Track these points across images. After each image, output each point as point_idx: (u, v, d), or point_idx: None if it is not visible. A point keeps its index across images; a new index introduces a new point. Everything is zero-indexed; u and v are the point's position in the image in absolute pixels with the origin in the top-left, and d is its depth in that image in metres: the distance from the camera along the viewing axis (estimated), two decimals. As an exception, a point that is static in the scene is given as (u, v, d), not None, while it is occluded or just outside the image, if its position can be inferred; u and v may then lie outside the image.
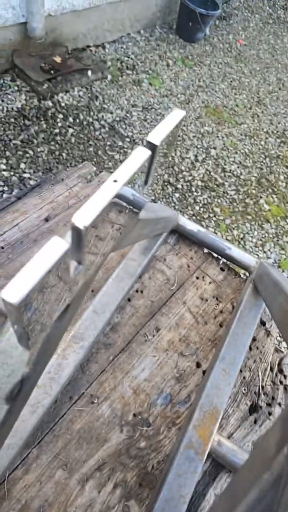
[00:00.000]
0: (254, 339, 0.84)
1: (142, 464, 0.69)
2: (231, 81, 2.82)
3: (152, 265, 0.89)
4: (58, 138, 2.10)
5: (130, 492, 0.67)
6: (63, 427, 0.69)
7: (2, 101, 2.09)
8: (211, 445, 0.69)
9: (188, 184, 2.12)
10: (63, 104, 2.21)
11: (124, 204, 0.86)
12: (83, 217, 0.27)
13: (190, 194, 2.08)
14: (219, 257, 0.92)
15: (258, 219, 2.11)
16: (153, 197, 2.01)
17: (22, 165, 1.94)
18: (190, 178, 2.16)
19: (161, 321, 0.82)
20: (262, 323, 0.86)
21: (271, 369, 0.82)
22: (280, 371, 0.84)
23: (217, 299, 0.87)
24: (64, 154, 2.05)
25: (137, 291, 0.86)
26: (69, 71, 2.29)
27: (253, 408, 0.79)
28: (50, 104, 2.18)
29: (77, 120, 2.20)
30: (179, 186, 2.11)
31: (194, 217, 1.98)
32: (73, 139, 2.11)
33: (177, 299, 0.85)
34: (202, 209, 2.04)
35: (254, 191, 2.23)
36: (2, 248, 0.86)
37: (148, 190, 2.03)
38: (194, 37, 2.93)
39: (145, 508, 0.65)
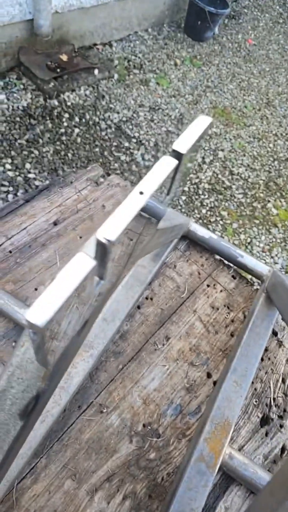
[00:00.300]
0: (266, 350, 0.84)
1: (151, 475, 0.69)
2: (240, 82, 2.82)
3: (162, 272, 0.89)
4: (63, 138, 2.10)
5: (139, 504, 0.67)
6: (71, 437, 0.69)
7: (8, 99, 2.10)
8: (222, 458, 0.69)
9: (195, 186, 2.12)
10: (69, 103, 2.22)
11: (144, 214, 0.86)
12: (108, 232, 0.27)
13: (197, 197, 2.08)
14: (231, 264, 0.92)
15: (266, 224, 2.11)
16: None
17: (27, 165, 1.94)
18: (197, 180, 2.16)
19: (171, 330, 0.82)
20: (274, 333, 0.86)
21: (283, 381, 0.82)
22: (292, 382, 0.83)
23: (228, 307, 0.87)
24: (69, 155, 2.05)
25: (146, 298, 0.86)
26: (76, 70, 2.30)
27: (264, 420, 0.79)
28: (56, 103, 2.19)
29: (83, 120, 2.20)
30: (185, 188, 2.11)
31: (200, 221, 1.98)
32: (79, 139, 2.12)
33: (188, 307, 0.85)
34: (209, 212, 2.04)
35: (262, 195, 2.23)
36: (10, 252, 0.87)
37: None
38: (202, 36, 2.94)
39: (154, 522, 0.65)
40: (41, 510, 0.64)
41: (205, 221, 1.98)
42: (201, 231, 0.89)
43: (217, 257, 0.93)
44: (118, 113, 2.28)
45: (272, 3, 3.86)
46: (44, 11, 2.06)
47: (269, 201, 2.21)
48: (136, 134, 2.23)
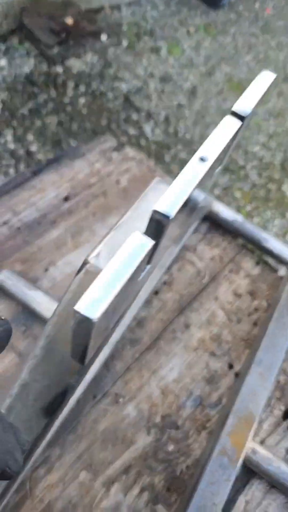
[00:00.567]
0: (290, 340, 0.81)
1: (170, 468, 0.68)
2: (256, 54, 2.72)
3: (181, 256, 0.85)
4: (68, 108, 2.03)
5: (157, 496, 0.65)
6: (86, 427, 0.67)
7: (10, 65, 2.01)
8: (245, 453, 0.67)
9: (207, 165, 2.06)
10: (74, 71, 2.13)
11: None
12: (167, 207, 0.23)
13: (209, 176, 2.02)
14: (255, 249, 0.88)
15: (280, 207, 2.06)
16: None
17: (30, 137, 1.87)
18: (209, 158, 2.09)
19: (191, 317, 0.79)
20: (300, 322, 0.83)
21: (308, 373, 0.79)
22: None
23: (251, 295, 0.84)
24: (74, 127, 1.98)
25: (165, 283, 0.82)
26: (82, 34, 2.20)
27: (287, 414, 0.77)
28: (61, 70, 2.10)
29: (89, 89, 2.12)
30: (197, 166, 2.05)
31: (212, 201, 1.93)
32: (84, 110, 2.04)
33: (209, 294, 0.82)
34: (222, 192, 1.99)
35: (277, 176, 2.17)
36: (18, 229, 0.83)
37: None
38: (218, 3, 2.81)
39: (173, 516, 0.64)
40: (55, 501, 0.62)
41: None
42: (225, 213, 0.85)
43: (240, 240, 0.89)
44: (126, 83, 2.20)
45: None
46: None
47: (284, 183, 2.16)
48: (146, 107, 2.16)
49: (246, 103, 0.33)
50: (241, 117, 0.32)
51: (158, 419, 0.70)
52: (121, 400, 0.70)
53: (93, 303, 0.20)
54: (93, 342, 0.24)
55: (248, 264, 0.87)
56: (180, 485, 0.67)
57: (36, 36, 2.07)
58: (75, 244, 0.84)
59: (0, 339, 0.23)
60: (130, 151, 1.00)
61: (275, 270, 0.89)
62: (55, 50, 2.11)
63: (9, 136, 1.86)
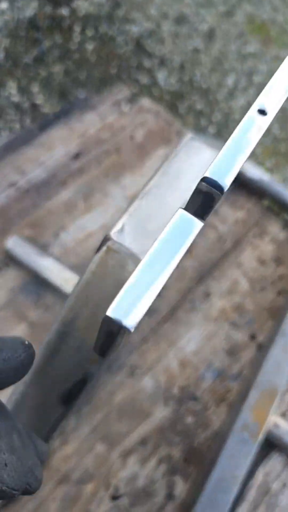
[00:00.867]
0: None
1: (188, 439, 0.67)
2: (281, -10, 2.48)
3: (202, 218, 0.80)
4: (75, 55, 1.90)
5: (175, 467, 0.65)
6: (102, 399, 0.66)
7: (11, 8, 1.86)
8: (266, 427, 0.65)
9: (225, 117, 1.94)
10: (81, 14, 1.97)
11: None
12: (221, 176, 0.18)
13: (226, 129, 1.91)
14: (283, 211, 0.83)
15: (302, 163, 1.96)
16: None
17: (35, 89, 1.77)
18: (228, 110, 1.97)
19: (211, 286, 0.76)
20: None
21: None
22: None
23: (276, 262, 0.79)
24: (82, 76, 1.86)
25: (184, 248, 0.78)
26: None
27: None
28: (66, 12, 1.95)
29: (97, 34, 1.97)
30: (214, 119, 1.93)
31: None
32: (92, 58, 1.91)
33: (231, 261, 0.78)
34: (239, 148, 1.88)
35: (299, 129, 2.05)
36: (27, 191, 0.78)
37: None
38: None
39: (192, 485, 0.64)
40: (72, 471, 0.62)
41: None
42: (251, 171, 0.79)
43: (266, 202, 0.83)
44: (137, 25, 2.04)
45: None
46: None
47: (307, 137, 2.04)
48: (158, 52, 2.01)
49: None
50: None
51: (175, 391, 0.69)
52: (137, 371, 0.69)
53: (130, 308, 0.16)
54: (120, 340, 0.21)
55: (274, 228, 0.82)
56: (198, 457, 0.66)
57: (38, -28, 1.90)
58: (86, 207, 0.80)
59: (23, 366, 0.21)
60: (145, 103, 0.92)
61: (302, 235, 0.84)
62: (60, -12, 1.94)
63: (13, 88, 1.76)
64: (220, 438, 0.66)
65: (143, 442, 0.65)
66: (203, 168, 0.28)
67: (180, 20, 2.12)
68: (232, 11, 2.29)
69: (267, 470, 0.69)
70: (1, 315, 0.66)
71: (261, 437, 0.64)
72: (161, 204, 0.29)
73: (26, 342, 0.21)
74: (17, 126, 1.72)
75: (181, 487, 0.63)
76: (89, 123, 0.87)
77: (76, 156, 0.84)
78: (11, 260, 0.70)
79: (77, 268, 0.71)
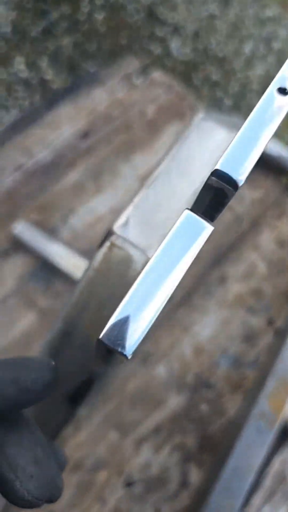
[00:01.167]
0: None
1: (202, 427, 0.66)
2: None
3: (217, 199, 0.76)
4: (83, 27, 1.83)
5: (189, 455, 0.65)
6: (115, 386, 0.65)
7: (15, -26, 1.80)
8: (284, 416, 0.64)
9: (242, 87, 1.86)
10: (89, -21, 1.89)
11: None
12: (235, 168, 0.16)
13: (244, 101, 1.83)
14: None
15: None
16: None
17: (43, 63, 1.72)
18: (245, 80, 1.88)
19: (227, 270, 0.73)
20: None
21: None
22: None
23: (296, 243, 0.76)
24: (91, 48, 1.80)
25: (198, 231, 0.75)
26: None
27: None
28: (74, -21, 1.87)
29: (107, 3, 1.89)
30: (230, 89, 1.85)
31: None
32: (102, 28, 1.84)
33: (248, 243, 0.75)
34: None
35: None
36: (34, 173, 0.75)
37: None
38: None
39: (206, 472, 0.64)
40: (85, 458, 0.62)
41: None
42: (270, 147, 0.74)
43: (286, 180, 0.79)
44: (149, -9, 1.94)
45: None
46: None
47: None
48: (171, 20, 1.92)
49: None
50: None
51: (189, 378, 0.68)
52: (150, 358, 0.67)
53: (126, 332, 0.14)
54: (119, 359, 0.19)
55: (293, 209, 0.78)
56: (213, 445, 0.65)
57: None
58: (96, 188, 0.77)
59: (48, 388, 0.21)
60: (157, 75, 0.87)
61: None
62: None
63: (21, 63, 1.71)
64: (235, 426, 0.65)
65: (156, 430, 0.64)
66: (217, 152, 0.25)
67: (194, -17, 2.00)
68: (250, -29, 2.15)
69: (283, 458, 0.68)
70: (10, 302, 0.66)
71: (277, 425, 0.63)
72: (169, 193, 0.27)
73: (53, 363, 0.22)
74: (26, 103, 1.68)
75: (195, 475, 0.63)
76: (98, 99, 0.83)
77: (85, 135, 0.81)
78: (20, 245, 0.69)
79: (87, 253, 0.70)
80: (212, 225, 0.15)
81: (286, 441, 0.69)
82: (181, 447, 0.65)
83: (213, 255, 0.74)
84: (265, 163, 0.78)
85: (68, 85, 0.95)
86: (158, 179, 0.27)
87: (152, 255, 0.15)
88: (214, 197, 0.16)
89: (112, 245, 0.26)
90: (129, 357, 0.14)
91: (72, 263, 0.67)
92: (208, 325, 0.70)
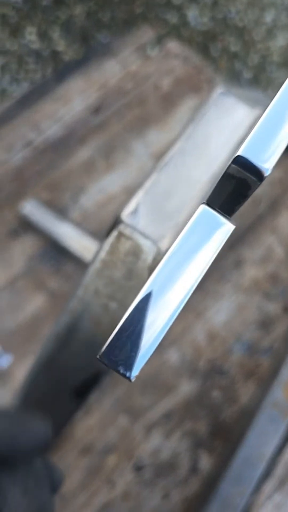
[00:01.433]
0: None
1: (213, 414, 0.65)
2: None
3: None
4: (97, -7, 1.75)
5: (200, 441, 0.64)
6: (125, 372, 0.64)
7: None
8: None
9: (263, 59, 1.77)
10: None
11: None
12: (261, 156, 0.13)
13: (264, 73, 1.75)
14: None
15: None
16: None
17: (55, 34, 1.66)
18: (265, 51, 1.79)
19: (243, 253, 0.70)
20: None
21: None
22: None
23: (316, 226, 0.72)
24: (105, 17, 1.73)
25: (213, 212, 0.72)
26: None
27: None
28: None
29: None
30: (250, 61, 1.77)
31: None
32: (116, -4, 1.76)
33: (265, 225, 0.72)
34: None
35: None
36: (44, 150, 0.73)
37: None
38: None
39: (217, 459, 0.63)
40: (95, 441, 0.62)
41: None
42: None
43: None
44: None
45: None
46: None
47: None
48: (190, -13, 1.82)
49: None
50: None
51: (202, 364, 0.66)
52: (162, 343, 0.66)
53: (128, 353, 0.12)
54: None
55: (315, 189, 0.74)
56: (224, 432, 0.65)
57: None
58: (107, 166, 0.74)
59: (41, 449, 0.22)
60: (173, 46, 0.82)
61: None
62: None
63: (32, 34, 1.65)
64: (247, 414, 0.63)
65: (167, 415, 0.64)
66: (237, 131, 0.22)
67: None
68: None
69: (296, 445, 0.67)
70: (20, 284, 0.65)
71: (292, 414, 0.62)
72: (184, 177, 0.24)
73: (49, 427, 0.23)
74: (38, 76, 1.64)
75: (205, 461, 0.62)
76: (110, 72, 0.79)
77: (96, 110, 0.77)
78: (29, 225, 0.67)
79: (98, 234, 0.68)
80: (233, 223, 0.13)
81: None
82: (192, 433, 0.64)
83: (229, 238, 0.71)
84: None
85: (80, 57, 0.91)
86: (171, 162, 0.24)
87: (162, 259, 0.13)
88: (235, 188, 0.13)
89: (120, 234, 0.24)
90: (133, 379, 0.12)
91: (83, 245, 0.65)
92: (222, 311, 0.68)
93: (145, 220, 0.24)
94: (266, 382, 0.65)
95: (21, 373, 0.58)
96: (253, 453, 0.61)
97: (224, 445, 0.64)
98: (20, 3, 1.73)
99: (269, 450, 0.61)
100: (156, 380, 0.65)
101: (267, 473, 0.61)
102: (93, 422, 0.63)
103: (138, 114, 0.78)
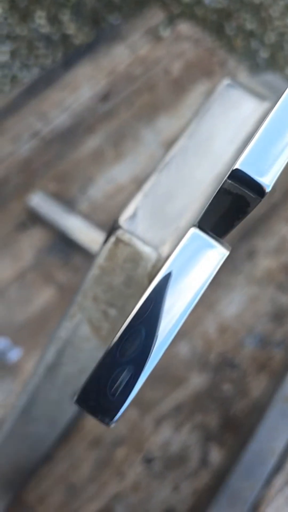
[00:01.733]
0: None
1: (224, 407, 0.64)
2: None
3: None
4: (108, -27, 1.69)
5: (210, 434, 0.64)
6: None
7: None
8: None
9: (280, 37, 1.70)
10: None
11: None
12: (261, 167, 0.11)
13: (281, 52, 1.68)
14: None
15: None
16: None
17: (65, 17, 1.62)
18: (283, 29, 1.72)
19: (256, 244, 0.68)
20: None
21: None
22: None
23: None
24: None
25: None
26: None
27: None
28: None
29: None
30: (266, 40, 1.70)
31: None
32: (127, -26, 1.70)
33: (279, 215, 0.69)
34: (295, 75, 1.66)
35: None
36: (51, 140, 0.71)
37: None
38: None
39: (227, 452, 0.63)
40: (104, 433, 0.62)
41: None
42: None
43: None
44: None
45: None
46: None
47: None
48: None
49: None
50: None
51: (213, 357, 0.65)
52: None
53: (109, 401, 0.11)
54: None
55: None
56: (235, 426, 0.64)
57: None
58: (116, 155, 0.72)
59: None
60: (184, 28, 0.79)
61: None
62: None
63: (42, 18, 1.62)
64: (259, 408, 0.62)
65: (177, 408, 0.63)
66: (244, 127, 0.20)
67: None
68: None
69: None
70: (29, 277, 0.64)
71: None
72: (186, 178, 0.23)
73: None
74: (49, 61, 1.61)
75: (216, 454, 0.62)
76: (119, 57, 0.77)
77: (105, 97, 0.75)
78: (37, 218, 0.66)
79: (107, 226, 0.66)
80: (227, 248, 0.12)
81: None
82: (202, 426, 0.63)
83: (241, 227, 0.69)
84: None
85: (90, 41, 0.88)
86: (173, 162, 0.23)
87: (146, 291, 0.11)
88: (231, 207, 0.12)
89: (118, 240, 0.22)
90: (112, 426, 0.11)
91: (91, 238, 0.64)
92: (234, 303, 0.67)
93: (145, 224, 0.22)
94: (278, 375, 0.64)
95: (30, 366, 0.58)
96: (263, 447, 0.60)
97: (235, 439, 0.63)
98: (29, -14, 1.69)
99: (280, 445, 0.60)
100: (166, 373, 0.64)
101: (278, 467, 0.60)
102: (103, 414, 0.63)
103: (148, 100, 0.76)
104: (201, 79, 0.77)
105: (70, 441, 0.60)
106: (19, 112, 0.72)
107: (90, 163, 0.71)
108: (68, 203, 0.67)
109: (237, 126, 0.23)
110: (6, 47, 1.58)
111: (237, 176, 0.11)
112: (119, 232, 0.22)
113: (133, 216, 0.22)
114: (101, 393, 0.11)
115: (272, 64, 1.65)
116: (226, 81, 0.23)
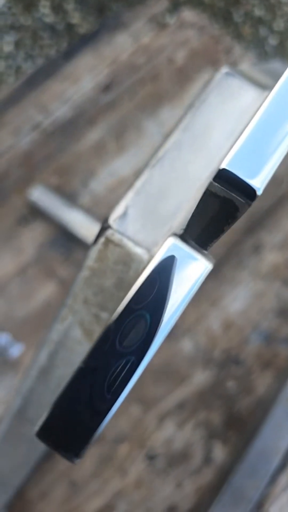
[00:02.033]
0: None
1: (228, 404, 0.63)
2: None
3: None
4: None
5: (213, 431, 0.63)
6: (137, 361, 0.63)
7: None
8: None
9: (289, 25, 1.65)
10: None
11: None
12: (251, 168, 0.10)
13: (290, 40, 1.64)
14: None
15: None
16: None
17: (70, 6, 1.59)
18: (292, 15, 1.67)
19: (262, 238, 0.66)
20: None
21: None
22: None
23: None
24: (121, -15, 1.64)
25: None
26: None
27: None
28: None
29: None
30: (275, 26, 1.65)
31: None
32: None
33: (286, 208, 0.67)
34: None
35: None
36: (52, 133, 0.70)
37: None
38: None
39: (231, 450, 0.62)
40: (107, 431, 0.62)
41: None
42: None
43: None
44: None
45: None
46: None
47: None
48: None
49: None
50: None
51: (217, 354, 0.64)
52: (175, 332, 0.64)
53: (68, 432, 0.10)
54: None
55: None
56: (239, 423, 0.63)
57: None
58: (118, 148, 0.71)
59: None
60: (188, 15, 0.76)
61: None
62: None
63: (46, 7, 1.59)
64: (263, 406, 0.61)
65: (180, 405, 0.62)
66: (243, 118, 0.19)
67: None
68: None
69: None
70: (30, 272, 0.63)
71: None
72: (180, 175, 0.21)
73: None
74: (53, 51, 1.59)
75: (219, 452, 0.61)
76: (121, 46, 0.75)
77: (106, 87, 0.73)
78: (38, 212, 0.65)
79: (109, 220, 0.65)
80: (211, 261, 0.10)
81: None
82: (206, 423, 0.62)
83: (247, 221, 0.67)
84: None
85: (89, 32, 0.86)
86: (166, 157, 0.21)
87: (118, 308, 0.10)
88: (218, 211, 0.10)
89: (107, 241, 0.21)
90: (76, 463, 0.10)
91: (93, 232, 0.62)
92: (239, 298, 0.66)
93: (136, 224, 0.21)
94: (284, 373, 0.62)
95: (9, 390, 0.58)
96: (268, 445, 0.59)
97: (238, 437, 0.62)
98: (33, -26, 1.66)
99: (285, 443, 0.59)
100: (169, 369, 0.63)
101: (282, 466, 0.59)
102: (106, 410, 0.62)
103: (151, 90, 0.74)
104: (206, 67, 0.75)
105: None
106: (19, 104, 0.70)
107: (92, 156, 0.70)
108: (70, 197, 0.66)
109: (236, 118, 0.22)
110: (11, 38, 1.56)
111: (224, 177, 0.10)
112: (108, 232, 0.21)
113: (124, 215, 0.21)
114: (66, 426, 0.10)
115: (281, 51, 1.61)
116: (224, 70, 0.21)
